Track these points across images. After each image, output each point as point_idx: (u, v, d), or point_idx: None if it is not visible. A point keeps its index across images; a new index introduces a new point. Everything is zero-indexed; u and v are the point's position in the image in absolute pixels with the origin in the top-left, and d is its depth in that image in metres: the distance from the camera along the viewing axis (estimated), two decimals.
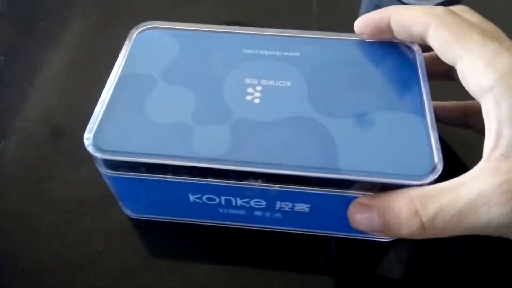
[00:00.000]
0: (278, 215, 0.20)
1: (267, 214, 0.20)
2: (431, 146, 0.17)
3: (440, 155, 0.17)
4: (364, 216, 0.17)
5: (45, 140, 0.26)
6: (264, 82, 0.20)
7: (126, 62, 0.21)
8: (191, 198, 0.19)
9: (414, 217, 0.15)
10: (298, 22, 0.31)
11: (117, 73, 0.20)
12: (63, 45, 0.31)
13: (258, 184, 0.17)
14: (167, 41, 0.22)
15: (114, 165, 0.18)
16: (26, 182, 0.24)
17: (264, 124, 0.18)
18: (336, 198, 0.18)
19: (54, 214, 0.23)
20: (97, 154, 0.17)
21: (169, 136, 0.18)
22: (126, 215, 0.22)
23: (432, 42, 0.18)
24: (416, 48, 0.21)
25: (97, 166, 0.18)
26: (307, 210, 0.19)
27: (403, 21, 0.19)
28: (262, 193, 0.18)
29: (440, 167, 0.17)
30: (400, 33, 0.20)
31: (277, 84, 0.20)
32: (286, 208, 0.19)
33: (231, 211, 0.20)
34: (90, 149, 0.17)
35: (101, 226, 0.22)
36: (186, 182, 0.18)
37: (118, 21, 0.33)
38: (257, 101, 0.19)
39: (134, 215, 0.22)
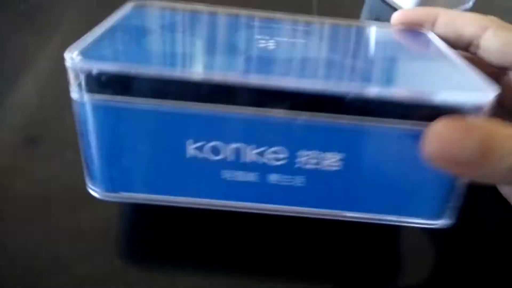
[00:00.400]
0: (299, 180, 0.15)
1: (285, 179, 0.15)
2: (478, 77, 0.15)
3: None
4: (455, 137, 0.13)
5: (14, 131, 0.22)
6: (277, 38, 0.17)
7: (119, 16, 0.18)
8: (190, 149, 0.15)
9: None
10: None
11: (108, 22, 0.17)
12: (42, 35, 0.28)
13: (281, 113, 0.14)
14: (166, 13, 0.20)
15: (100, 82, 0.13)
16: None
17: (283, 59, 0.15)
18: (382, 136, 0.14)
19: (14, 211, 0.18)
20: (83, 64, 0.13)
21: (174, 57, 0.14)
22: (95, 198, 0.17)
23: (490, 43, 0.18)
24: (431, 34, 0.20)
25: (76, 94, 0.14)
26: (338, 167, 0.15)
27: (455, 21, 0.19)
28: (284, 132, 0.14)
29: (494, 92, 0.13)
30: (445, 33, 0.19)
31: (291, 41, 0.17)
32: (311, 165, 0.15)
33: (238, 175, 0.16)
34: (75, 60, 0.13)
35: (69, 227, 0.18)
36: (188, 114, 0.14)
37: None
38: (271, 47, 0.16)
39: (106, 193, 0.16)
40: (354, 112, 0.14)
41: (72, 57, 0.13)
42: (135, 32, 0.17)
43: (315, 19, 0.21)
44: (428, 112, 0.13)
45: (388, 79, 0.15)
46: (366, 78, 0.14)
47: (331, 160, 0.15)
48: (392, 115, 0.14)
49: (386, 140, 0.14)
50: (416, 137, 0.14)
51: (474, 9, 0.33)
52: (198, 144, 0.15)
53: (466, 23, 0.19)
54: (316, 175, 0.15)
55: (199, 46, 0.17)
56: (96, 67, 0.13)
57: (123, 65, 0.13)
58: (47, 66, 0.25)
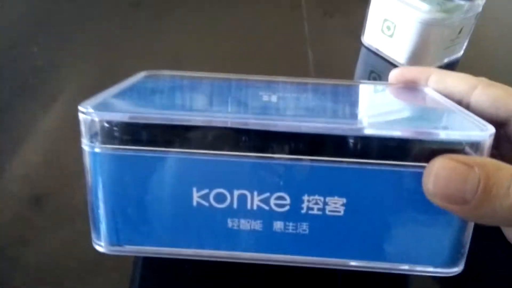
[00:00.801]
0: (304, 226, 0.16)
1: (291, 225, 0.16)
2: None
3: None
4: (457, 172, 0.13)
5: (24, 202, 0.22)
6: (279, 94, 0.19)
7: (131, 81, 0.19)
8: (195, 198, 0.15)
9: None
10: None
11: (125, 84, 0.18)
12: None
13: (284, 158, 0.14)
14: (176, 79, 0.21)
15: (112, 132, 0.14)
16: None
17: (285, 108, 0.16)
18: (378, 182, 0.14)
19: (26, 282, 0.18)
20: (93, 116, 0.14)
21: (181, 108, 0.15)
22: (99, 252, 0.17)
23: (480, 100, 0.19)
24: (428, 89, 0.21)
25: (87, 145, 0.15)
26: (342, 212, 0.15)
27: (445, 79, 0.20)
28: (287, 177, 0.14)
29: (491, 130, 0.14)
30: (437, 89, 0.20)
31: (293, 96, 0.18)
32: (315, 210, 0.15)
33: (243, 223, 0.16)
34: (88, 111, 0.14)
35: None
36: (192, 161, 0.14)
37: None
38: (274, 100, 0.17)
39: (111, 247, 0.16)
40: (355, 154, 0.14)
41: (85, 109, 0.14)
42: (145, 93, 0.18)
43: (315, 80, 0.22)
44: (429, 151, 0.14)
45: (388, 123, 0.16)
46: (366, 122, 0.15)
47: (335, 205, 0.15)
48: (393, 156, 0.14)
49: (388, 181, 0.14)
50: (419, 178, 0.14)
51: (464, 58, 0.34)
52: (203, 192, 0.15)
53: (456, 81, 0.20)
54: (320, 221, 0.15)
55: (204, 101, 0.17)
56: (107, 118, 0.14)
57: (132, 115, 0.14)
58: (52, 135, 0.26)
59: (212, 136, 0.14)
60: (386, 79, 0.33)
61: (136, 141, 0.14)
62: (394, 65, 0.34)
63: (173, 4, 0.39)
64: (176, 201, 0.15)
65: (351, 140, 0.14)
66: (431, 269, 0.16)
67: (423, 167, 0.14)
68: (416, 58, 0.33)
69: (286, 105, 0.17)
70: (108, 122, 0.14)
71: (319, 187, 0.15)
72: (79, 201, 0.22)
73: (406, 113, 0.18)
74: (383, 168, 0.14)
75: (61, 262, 0.20)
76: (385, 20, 0.33)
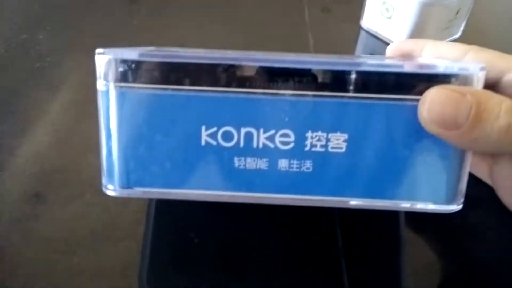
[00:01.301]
0: (308, 164, 0.16)
1: (295, 164, 0.16)
2: None
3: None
4: (450, 99, 0.14)
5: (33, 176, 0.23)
6: None
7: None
8: (204, 136, 0.16)
9: None
10: None
11: None
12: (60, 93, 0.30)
13: (288, 93, 0.15)
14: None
15: (126, 71, 0.15)
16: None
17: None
18: (382, 110, 0.15)
19: (37, 254, 0.19)
20: (111, 54, 0.15)
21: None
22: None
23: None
24: None
25: (102, 81, 0.15)
26: (344, 148, 0.16)
27: (438, 48, 0.21)
28: (291, 113, 0.15)
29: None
30: (431, 57, 0.21)
31: None
32: (318, 147, 0.16)
33: (250, 162, 0.16)
34: (103, 52, 0.15)
35: (91, 266, 0.19)
36: (201, 98, 0.15)
37: None
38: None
39: (122, 190, 0.17)
40: (356, 89, 0.15)
41: (101, 50, 0.15)
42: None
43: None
44: (426, 84, 0.15)
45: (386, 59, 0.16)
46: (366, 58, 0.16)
47: (337, 141, 0.16)
48: (392, 90, 0.15)
49: (388, 114, 0.15)
50: (416, 110, 0.15)
51: (462, 39, 0.35)
52: (212, 130, 0.16)
53: (449, 49, 0.20)
54: (323, 159, 0.16)
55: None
56: (121, 56, 0.15)
57: (143, 53, 0.15)
58: (61, 119, 0.27)
59: (220, 73, 0.15)
60: None
61: (148, 80, 0.15)
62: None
63: None
64: (185, 140, 0.16)
65: (352, 75, 0.15)
66: (431, 206, 0.16)
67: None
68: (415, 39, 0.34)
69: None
70: (122, 61, 0.15)
71: (322, 123, 0.15)
72: (88, 177, 0.23)
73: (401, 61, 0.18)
74: (382, 102, 0.15)
75: (72, 234, 0.20)
76: (384, 2, 0.34)
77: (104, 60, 0.15)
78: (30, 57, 0.32)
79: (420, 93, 0.15)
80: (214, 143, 0.16)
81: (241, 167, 0.16)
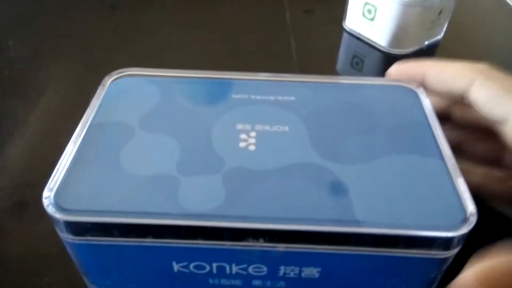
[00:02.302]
0: (281, 283, 0.16)
1: (268, 283, 0.16)
2: (458, 192, 0.15)
3: (472, 201, 0.15)
4: None
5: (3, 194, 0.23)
6: (258, 127, 0.18)
7: (98, 110, 0.18)
8: (176, 267, 0.16)
9: None
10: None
11: (86, 123, 0.17)
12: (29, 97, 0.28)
13: (259, 245, 0.14)
14: (145, 88, 0.19)
15: (80, 228, 0.14)
16: None
17: (263, 172, 0.16)
18: (352, 259, 0.15)
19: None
20: (58, 215, 0.14)
21: (149, 190, 0.15)
22: None
23: (477, 96, 0.17)
24: (420, 90, 0.20)
25: (59, 232, 0.15)
26: (317, 275, 0.16)
27: (443, 75, 0.19)
28: (263, 256, 0.15)
29: (473, 217, 0.14)
30: (436, 88, 0.19)
31: (273, 129, 0.18)
32: (291, 274, 0.16)
33: (224, 281, 0.16)
34: (49, 209, 0.14)
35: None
36: (169, 246, 0.15)
37: (92, 72, 0.31)
38: (252, 148, 0.17)
39: None
40: (329, 242, 0.14)
41: (50, 204, 0.14)
42: (111, 149, 0.16)
43: (299, 79, 0.20)
44: (390, 240, 0.14)
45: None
46: (342, 208, 0.14)
47: (310, 272, 0.16)
48: (361, 244, 0.14)
49: (362, 263, 0.15)
50: (388, 261, 0.15)
51: (445, 40, 0.33)
52: (183, 264, 0.15)
53: (454, 76, 0.18)
54: (296, 282, 0.16)
55: (176, 158, 0.16)
56: (69, 219, 0.14)
57: (98, 214, 0.14)
58: (34, 129, 0.26)
59: (185, 231, 0.14)
60: (368, 63, 0.33)
61: (107, 235, 0.14)
62: (376, 49, 0.33)
63: None
64: (157, 271, 0.16)
65: (327, 233, 0.14)
66: None
67: (392, 252, 0.14)
68: (397, 40, 0.32)
69: (264, 163, 0.16)
70: (73, 223, 0.14)
71: (295, 262, 0.15)
72: None
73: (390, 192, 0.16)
74: (357, 253, 0.15)
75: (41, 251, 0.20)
76: (366, 3, 0.32)
77: (56, 217, 0.14)
78: None
79: (393, 247, 0.14)
80: (186, 271, 0.16)
81: (216, 284, 0.16)
